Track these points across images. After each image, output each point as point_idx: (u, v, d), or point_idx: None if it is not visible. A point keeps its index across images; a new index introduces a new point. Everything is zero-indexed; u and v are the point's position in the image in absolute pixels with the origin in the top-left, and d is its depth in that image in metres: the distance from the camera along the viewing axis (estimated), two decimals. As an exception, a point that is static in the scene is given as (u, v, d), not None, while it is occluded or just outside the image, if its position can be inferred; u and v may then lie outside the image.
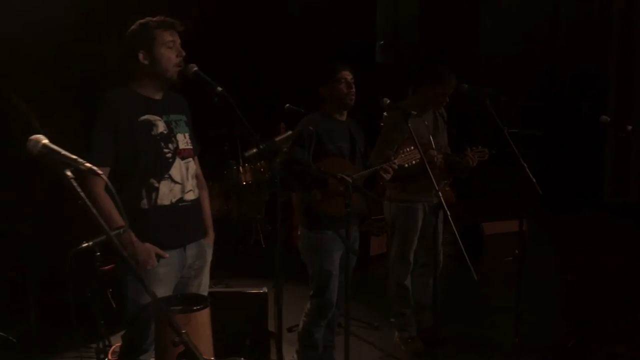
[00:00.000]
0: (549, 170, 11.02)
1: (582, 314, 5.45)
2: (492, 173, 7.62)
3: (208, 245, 3.30)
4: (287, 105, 4.53)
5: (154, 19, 3.02)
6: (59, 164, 1.81)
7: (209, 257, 3.31)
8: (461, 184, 7.43)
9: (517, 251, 6.99)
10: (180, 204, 3.08)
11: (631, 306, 5.48)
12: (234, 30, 8.68)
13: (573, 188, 10.23)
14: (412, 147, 3.76)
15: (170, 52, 2.99)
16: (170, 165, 3.05)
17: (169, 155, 3.06)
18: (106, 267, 3.58)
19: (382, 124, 4.68)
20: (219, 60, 8.50)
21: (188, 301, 2.97)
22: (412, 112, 3.63)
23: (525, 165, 4.12)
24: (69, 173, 1.80)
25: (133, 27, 3.04)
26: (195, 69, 2.88)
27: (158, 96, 3.10)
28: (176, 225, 3.07)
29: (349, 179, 3.39)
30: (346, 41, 9.20)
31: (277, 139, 2.94)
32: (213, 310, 3.00)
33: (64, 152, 1.83)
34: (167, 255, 3.02)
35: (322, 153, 3.86)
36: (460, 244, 3.50)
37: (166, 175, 3.04)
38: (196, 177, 3.25)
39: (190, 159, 3.18)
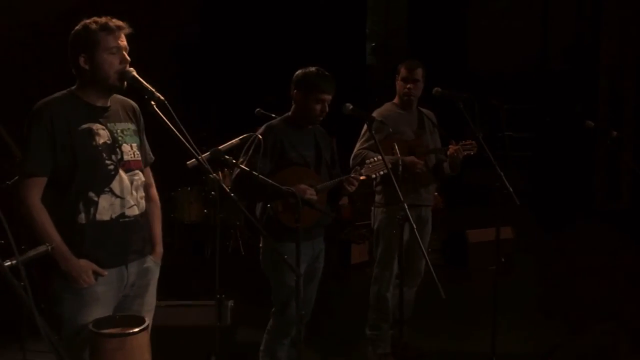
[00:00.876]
0: (540, 175, 10.99)
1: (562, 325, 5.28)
2: (479, 178, 7.46)
3: (154, 263, 3.09)
4: (258, 109, 4.30)
5: (99, 20, 2.80)
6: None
7: (155, 275, 3.09)
8: (447, 189, 7.32)
9: (502, 259, 6.91)
10: (121, 220, 2.88)
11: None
12: (220, 31, 8.74)
13: (564, 193, 10.09)
14: (379, 157, 3.58)
15: (112, 58, 2.78)
16: (112, 178, 2.85)
17: (112, 167, 2.85)
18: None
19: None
20: (202, 60, 8.63)
21: (126, 322, 2.77)
22: (375, 118, 3.44)
23: (502, 174, 3.93)
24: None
25: (77, 27, 2.82)
26: (133, 74, 2.68)
27: (103, 103, 2.90)
28: (116, 242, 2.87)
29: (293, 191, 3.18)
30: (336, 43, 9.19)
31: (222, 147, 2.74)
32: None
33: None
34: (106, 273, 2.83)
35: (286, 162, 3.65)
36: (427, 260, 3.32)
37: (107, 189, 2.84)
38: (146, 189, 3.06)
39: (137, 171, 2.97)
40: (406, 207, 3.28)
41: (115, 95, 2.95)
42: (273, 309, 3.78)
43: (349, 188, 3.64)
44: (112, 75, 2.78)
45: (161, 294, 3.21)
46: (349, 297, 6.10)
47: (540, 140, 10.74)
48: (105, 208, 2.83)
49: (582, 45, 10.73)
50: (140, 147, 3.02)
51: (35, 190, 2.75)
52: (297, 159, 3.69)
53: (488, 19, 11.01)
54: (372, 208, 4.56)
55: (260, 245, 3.81)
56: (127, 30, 2.82)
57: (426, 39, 10.42)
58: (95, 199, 2.81)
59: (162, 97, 2.56)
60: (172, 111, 2.50)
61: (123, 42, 2.80)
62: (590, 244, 7.86)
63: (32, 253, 2.25)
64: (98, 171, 2.81)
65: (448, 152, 4.40)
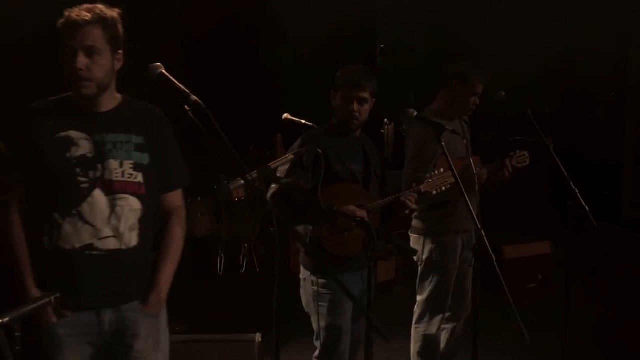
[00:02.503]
0: (562, 181, 10.53)
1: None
2: (513, 189, 6.99)
3: (142, 314, 2.48)
4: (286, 115, 3.69)
5: (66, 13, 2.31)
6: None
7: (143, 330, 2.48)
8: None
9: (540, 277, 6.41)
10: (87, 252, 2.33)
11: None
12: (229, 33, 8.35)
13: (589, 201, 9.58)
14: (443, 170, 3.08)
15: (69, 60, 2.30)
16: (82, 198, 2.33)
17: (85, 185, 2.34)
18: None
19: (408, 138, 3.86)
20: (214, 63, 8.24)
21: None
22: (447, 126, 2.88)
23: (576, 190, 3.37)
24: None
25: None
26: (161, 70, 2.13)
27: (98, 108, 2.40)
28: (80, 279, 2.34)
29: (364, 215, 2.62)
30: (346, 44, 8.82)
31: (273, 164, 2.18)
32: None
33: None
34: (68, 314, 2.33)
35: (330, 177, 3.06)
36: (510, 299, 2.76)
37: (74, 211, 2.32)
38: (165, 221, 2.55)
39: (126, 195, 2.40)
40: (483, 234, 2.72)
41: (130, 98, 2.45)
42: (316, 352, 3.22)
43: (407, 205, 3.13)
44: (74, 80, 2.30)
45: (174, 318, 2.65)
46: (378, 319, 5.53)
47: (561, 146, 10.34)
48: (69, 234, 2.32)
49: (608, 48, 10.29)
50: (148, 167, 2.45)
51: (16, 202, 2.37)
52: (343, 173, 3.15)
53: (504, 20, 10.66)
54: (414, 236, 3.90)
55: (301, 276, 3.25)
56: (87, 17, 2.28)
57: (440, 39, 10.03)
58: (60, 221, 2.32)
59: (199, 100, 2.01)
60: (212, 118, 1.94)
61: (84, 40, 2.28)
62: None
63: (30, 306, 1.74)
64: (67, 189, 2.32)
65: (507, 175, 3.81)
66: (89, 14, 2.26)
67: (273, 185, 2.69)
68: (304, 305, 3.27)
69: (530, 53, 10.25)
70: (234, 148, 1.96)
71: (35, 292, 2.33)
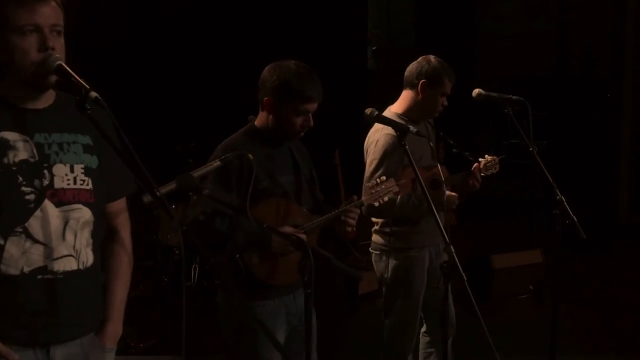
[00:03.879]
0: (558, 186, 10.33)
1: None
2: (503, 194, 6.74)
3: (99, 347, 2.15)
4: (251, 116, 3.30)
5: None
6: None
7: None
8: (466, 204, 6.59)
9: (531, 287, 6.13)
10: (39, 277, 1.96)
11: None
12: (213, 29, 8.15)
13: (584, 206, 9.33)
14: (384, 178, 2.85)
15: (27, 42, 1.90)
16: (29, 212, 1.95)
17: (30, 197, 1.96)
18: None
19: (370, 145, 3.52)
20: (192, 59, 8.03)
21: None
22: (410, 127, 2.55)
23: (562, 198, 3.07)
24: None
25: None
26: (59, 62, 1.80)
27: (35, 104, 2.02)
28: (29, 310, 1.97)
29: (303, 237, 2.30)
30: (337, 47, 8.68)
31: (196, 173, 1.85)
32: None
33: None
34: (16, 356, 1.93)
35: (257, 194, 2.61)
36: (481, 319, 2.44)
37: (19, 229, 1.94)
38: (112, 232, 2.20)
39: (79, 205, 2.04)
40: (453, 250, 2.39)
41: (63, 93, 2.07)
42: None
43: (349, 224, 2.79)
44: (28, 67, 1.90)
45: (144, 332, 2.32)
46: (358, 332, 5.29)
47: (555, 150, 10.20)
48: (14, 257, 1.93)
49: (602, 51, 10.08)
50: (97, 171, 2.10)
51: None
52: (273, 189, 2.75)
53: (497, 22, 10.48)
54: (375, 253, 3.57)
55: (218, 301, 2.88)
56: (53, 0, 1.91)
57: (431, 42, 9.84)
58: (1, 242, 1.93)
59: (99, 97, 1.68)
60: (114, 119, 1.61)
61: (45, 18, 1.90)
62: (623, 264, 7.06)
63: None
64: (7, 202, 1.93)
65: (472, 186, 3.52)
66: None
67: (193, 206, 2.38)
68: (223, 335, 2.87)
69: (523, 54, 10.08)
70: (136, 155, 1.63)
71: None
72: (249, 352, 2.74)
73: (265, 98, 2.78)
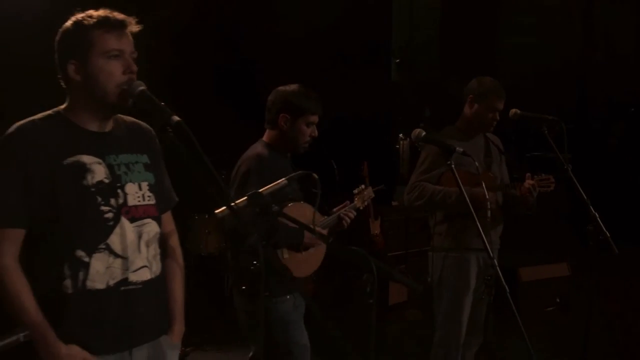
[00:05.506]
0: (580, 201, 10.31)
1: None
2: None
3: (170, 345, 2.30)
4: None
5: (96, 13, 2.07)
6: None
7: None
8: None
9: (558, 300, 6.19)
10: (122, 288, 2.11)
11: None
12: (236, 45, 8.09)
13: (610, 220, 9.34)
14: (363, 187, 3.35)
15: (113, 65, 2.05)
16: (109, 230, 2.10)
17: (109, 215, 2.10)
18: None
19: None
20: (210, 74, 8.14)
21: None
22: (457, 148, 2.71)
23: (596, 214, 3.18)
24: None
25: (66, 24, 2.10)
26: (142, 87, 1.95)
27: (101, 127, 2.16)
28: (115, 319, 2.11)
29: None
30: (361, 60, 8.68)
31: (265, 191, 1.99)
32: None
33: None
34: None
35: (282, 198, 2.98)
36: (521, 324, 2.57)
37: (102, 246, 2.08)
38: (163, 241, 2.32)
39: (149, 220, 2.21)
40: (496, 263, 2.54)
41: (119, 115, 2.22)
42: None
43: (344, 224, 3.24)
44: (112, 89, 2.04)
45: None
46: (388, 343, 5.38)
47: (577, 161, 10.18)
48: (100, 272, 2.08)
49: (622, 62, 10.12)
50: (155, 187, 2.26)
51: (8, 247, 2.02)
52: (291, 192, 3.11)
53: (519, 36, 10.54)
54: (430, 253, 3.81)
55: (237, 303, 3.22)
56: (135, 26, 2.07)
57: (454, 55, 9.92)
58: (86, 259, 2.06)
59: (180, 120, 1.83)
60: (194, 140, 1.76)
61: (128, 44, 2.06)
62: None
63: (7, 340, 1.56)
64: (89, 221, 2.07)
65: (520, 192, 3.66)
66: (128, 17, 2.09)
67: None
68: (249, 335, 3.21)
69: (544, 66, 10.14)
70: (216, 173, 1.77)
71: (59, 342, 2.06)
72: (287, 342, 3.08)
73: (281, 114, 3.16)
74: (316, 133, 3.22)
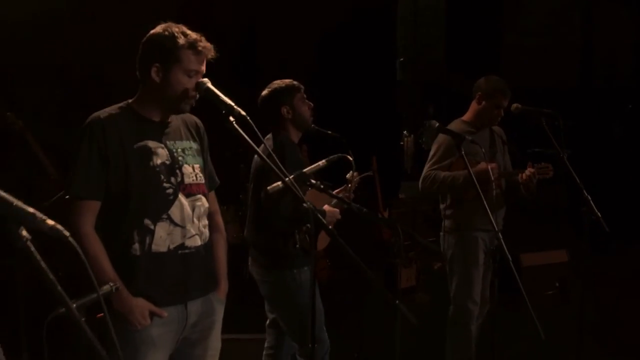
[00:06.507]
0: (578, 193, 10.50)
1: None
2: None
3: (218, 300, 2.73)
4: (313, 125, 3.96)
5: (189, 34, 2.47)
6: (11, 219, 1.27)
7: (220, 316, 2.74)
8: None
9: (557, 284, 6.53)
10: (180, 252, 2.53)
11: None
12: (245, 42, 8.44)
13: (609, 215, 9.62)
14: (355, 174, 3.56)
15: (189, 82, 2.46)
16: (170, 203, 2.51)
17: (170, 191, 2.51)
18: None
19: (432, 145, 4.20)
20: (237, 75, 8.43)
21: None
22: (467, 137, 3.10)
23: (589, 197, 3.56)
24: (24, 233, 1.25)
25: (157, 31, 2.50)
26: (207, 85, 2.36)
27: (163, 118, 2.58)
28: (174, 277, 2.53)
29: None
30: (366, 59, 8.95)
31: (307, 170, 2.40)
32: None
33: (17, 203, 1.29)
34: (165, 314, 2.49)
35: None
36: (526, 297, 2.94)
37: (164, 216, 2.49)
38: (210, 217, 2.71)
39: (200, 195, 2.62)
40: (500, 236, 2.93)
41: None
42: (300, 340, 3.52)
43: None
44: (182, 100, 2.47)
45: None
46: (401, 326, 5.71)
47: (579, 159, 10.36)
48: (163, 238, 2.48)
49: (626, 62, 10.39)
50: (204, 169, 2.68)
51: (88, 217, 2.43)
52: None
53: (522, 35, 10.78)
54: (441, 234, 4.20)
55: (267, 279, 3.57)
56: (213, 55, 2.49)
57: (458, 54, 10.18)
58: (152, 227, 2.47)
59: (242, 112, 2.22)
60: (255, 128, 2.16)
61: (204, 67, 2.47)
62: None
63: (92, 296, 1.90)
64: (155, 195, 2.48)
65: (522, 179, 4.04)
66: (211, 46, 2.49)
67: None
68: (278, 303, 3.58)
69: (548, 66, 10.43)
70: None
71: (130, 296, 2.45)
72: (307, 306, 3.31)
73: (283, 106, 3.53)
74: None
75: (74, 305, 1.84)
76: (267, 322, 3.79)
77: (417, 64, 10.85)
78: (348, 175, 3.69)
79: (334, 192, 3.57)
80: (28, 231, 1.28)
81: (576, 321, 3.97)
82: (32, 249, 1.26)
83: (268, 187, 2.39)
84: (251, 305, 5.52)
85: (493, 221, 3.00)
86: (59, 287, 1.32)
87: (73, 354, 3.18)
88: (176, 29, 2.45)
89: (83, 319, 1.71)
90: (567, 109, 9.90)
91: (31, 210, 1.31)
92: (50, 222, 1.32)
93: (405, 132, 9.79)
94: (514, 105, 3.85)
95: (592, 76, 10.62)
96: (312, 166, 2.62)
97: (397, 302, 2.33)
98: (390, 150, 9.37)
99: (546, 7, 10.64)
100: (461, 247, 4.08)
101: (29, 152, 4.51)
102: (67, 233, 1.32)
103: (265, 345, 3.78)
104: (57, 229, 1.31)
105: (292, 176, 2.33)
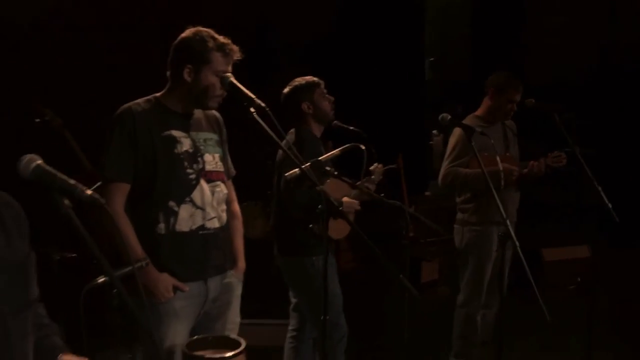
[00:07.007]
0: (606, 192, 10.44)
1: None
2: (553, 194, 7.20)
3: (237, 278, 2.96)
4: (335, 122, 4.13)
5: (218, 37, 2.70)
6: (56, 190, 1.47)
7: (237, 292, 2.97)
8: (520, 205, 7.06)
9: (579, 279, 6.60)
10: (200, 232, 2.75)
11: None
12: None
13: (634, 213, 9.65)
14: (380, 166, 3.73)
15: (217, 81, 2.69)
16: (192, 187, 2.74)
17: (193, 176, 2.74)
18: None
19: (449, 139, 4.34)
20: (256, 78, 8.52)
21: (220, 344, 2.61)
22: (477, 129, 3.25)
23: (599, 189, 3.69)
24: (66, 202, 1.45)
25: (189, 34, 2.73)
26: (231, 79, 2.56)
27: (187, 111, 2.81)
28: (194, 255, 2.75)
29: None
30: (396, 59, 9.02)
31: (323, 158, 2.58)
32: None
33: (60, 175, 1.50)
34: (187, 288, 2.72)
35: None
36: (532, 281, 3.08)
37: (187, 199, 2.72)
38: (228, 203, 2.93)
39: (219, 182, 2.85)
40: (508, 223, 3.08)
41: None
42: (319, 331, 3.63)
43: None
44: (211, 98, 2.70)
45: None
46: (422, 317, 5.85)
47: (602, 157, 10.39)
48: (185, 219, 2.70)
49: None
50: (223, 159, 2.91)
51: (118, 197, 2.66)
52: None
53: (546, 35, 10.80)
54: (456, 226, 4.35)
55: (291, 265, 3.75)
56: (239, 56, 2.72)
57: (484, 54, 10.24)
58: (176, 208, 2.69)
59: (263, 104, 2.42)
60: (274, 119, 2.35)
61: (230, 68, 2.70)
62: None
63: (128, 268, 2.10)
64: (179, 180, 2.70)
65: (534, 169, 4.16)
66: (238, 48, 2.71)
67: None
68: (302, 288, 3.73)
69: (572, 62, 10.42)
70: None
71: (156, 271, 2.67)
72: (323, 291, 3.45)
73: (304, 102, 3.69)
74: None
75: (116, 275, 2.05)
76: (291, 305, 3.98)
77: (445, 63, 10.98)
78: (372, 167, 3.84)
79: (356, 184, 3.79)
80: (70, 200, 1.48)
81: (589, 315, 4.08)
82: (73, 215, 1.45)
83: (286, 174, 2.58)
84: (278, 294, 5.72)
85: (502, 211, 3.12)
86: (100, 252, 1.49)
87: (104, 326, 3.39)
88: (205, 33, 2.68)
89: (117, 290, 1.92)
90: (589, 106, 9.98)
91: (72, 181, 1.51)
92: (89, 191, 1.52)
93: (434, 131, 9.90)
94: (528, 100, 3.97)
95: (615, 73, 10.56)
96: (327, 154, 2.80)
97: (400, 275, 2.42)
98: (418, 148, 9.48)
99: (570, 4, 10.64)
100: (476, 240, 4.20)
101: (66, 147, 4.74)
102: (103, 201, 1.52)
103: (289, 327, 3.97)
104: (95, 197, 1.51)
105: (308, 163, 2.51)
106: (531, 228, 7.78)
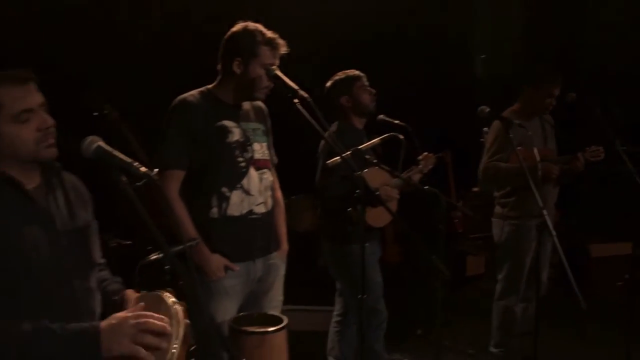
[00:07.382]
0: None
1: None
2: (600, 190, 7.15)
3: (280, 260, 3.14)
4: (381, 116, 4.23)
5: (266, 32, 2.86)
6: (115, 167, 1.64)
7: (281, 272, 3.15)
8: (567, 200, 7.03)
9: (627, 276, 6.54)
10: (249, 217, 2.93)
11: None
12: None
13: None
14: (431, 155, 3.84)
15: (264, 78, 2.86)
16: (243, 174, 2.91)
17: (243, 164, 2.92)
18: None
19: (485, 133, 4.49)
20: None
21: (265, 321, 2.77)
22: (515, 121, 3.33)
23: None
24: (124, 178, 1.62)
25: (239, 29, 2.90)
26: (276, 72, 2.72)
27: (237, 102, 2.98)
28: (243, 237, 2.92)
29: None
30: (446, 55, 8.90)
31: (363, 146, 2.72)
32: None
33: (119, 155, 1.67)
34: (237, 267, 2.89)
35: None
36: (567, 268, 3.14)
37: (238, 185, 2.90)
38: (272, 189, 3.09)
39: (266, 170, 3.03)
40: (545, 213, 3.15)
41: None
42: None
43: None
44: (260, 89, 2.87)
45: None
46: (465, 309, 5.95)
47: None
48: (236, 204, 2.88)
49: None
50: (269, 148, 3.08)
51: (174, 184, 2.83)
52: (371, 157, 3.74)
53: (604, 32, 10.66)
54: (494, 220, 4.38)
55: (333, 251, 3.88)
56: (286, 50, 2.87)
57: (539, 49, 10.12)
58: (228, 194, 2.87)
59: (306, 95, 2.56)
60: (316, 110, 2.49)
61: (277, 61, 2.85)
62: None
63: (181, 246, 2.26)
64: (231, 167, 2.87)
65: (577, 163, 4.19)
66: (284, 42, 2.87)
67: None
68: (343, 274, 3.86)
69: (627, 60, 10.24)
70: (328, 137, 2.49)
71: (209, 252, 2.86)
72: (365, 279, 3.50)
73: (343, 96, 3.85)
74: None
75: (164, 254, 2.21)
76: (337, 292, 4.11)
77: (497, 60, 10.95)
78: (420, 157, 3.95)
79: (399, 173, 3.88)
80: (127, 177, 1.65)
81: (629, 310, 4.19)
82: (130, 191, 1.62)
83: (327, 162, 2.72)
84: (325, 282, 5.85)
85: (539, 200, 3.17)
86: (155, 229, 1.65)
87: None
88: (254, 27, 2.85)
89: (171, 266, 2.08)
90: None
91: (129, 160, 1.68)
92: (144, 168, 1.68)
93: (485, 129, 9.84)
94: (570, 94, 4.00)
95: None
96: (367, 143, 2.93)
97: (432, 257, 2.53)
98: (469, 146, 9.44)
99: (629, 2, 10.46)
100: (514, 234, 4.23)
101: (124, 140, 4.96)
102: (156, 177, 1.68)
103: (334, 312, 4.11)
104: (149, 174, 1.67)
105: (349, 152, 2.65)
106: (579, 223, 7.79)
